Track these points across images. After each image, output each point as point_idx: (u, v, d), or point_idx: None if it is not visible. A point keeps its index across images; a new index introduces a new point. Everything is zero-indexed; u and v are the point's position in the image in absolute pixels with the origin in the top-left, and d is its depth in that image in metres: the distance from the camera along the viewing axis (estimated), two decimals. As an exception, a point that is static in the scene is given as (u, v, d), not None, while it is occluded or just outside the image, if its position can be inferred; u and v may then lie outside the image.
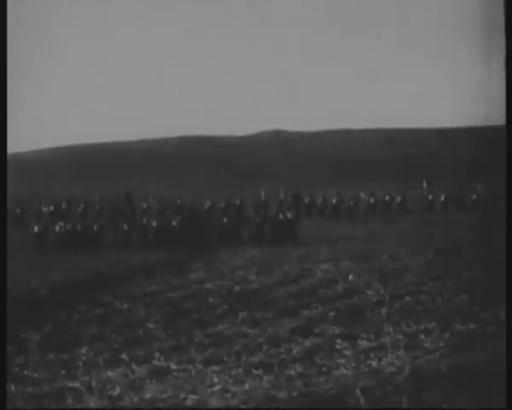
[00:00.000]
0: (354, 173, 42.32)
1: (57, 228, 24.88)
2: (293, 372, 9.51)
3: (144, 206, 28.30)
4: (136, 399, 9.02)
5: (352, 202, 31.29)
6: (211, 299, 14.87)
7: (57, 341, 12.11)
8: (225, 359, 10.45)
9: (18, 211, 28.86)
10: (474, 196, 30.85)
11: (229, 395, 8.87)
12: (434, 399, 8.10)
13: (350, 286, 15.29)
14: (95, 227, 25.21)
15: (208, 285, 16.34)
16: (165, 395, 9.02)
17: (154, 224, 25.13)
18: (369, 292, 14.53)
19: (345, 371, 9.41)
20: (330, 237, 24.27)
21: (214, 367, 10.06)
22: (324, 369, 9.61)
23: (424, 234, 23.78)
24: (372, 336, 11.05)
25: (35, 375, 10.35)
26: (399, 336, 10.85)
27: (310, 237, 24.40)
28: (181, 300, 14.97)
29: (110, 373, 10.13)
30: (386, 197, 31.26)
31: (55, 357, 11.18)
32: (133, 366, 10.41)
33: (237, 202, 28.54)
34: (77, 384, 9.68)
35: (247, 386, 9.08)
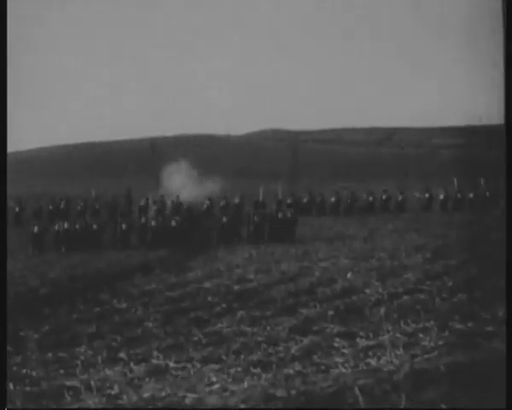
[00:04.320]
0: (353, 172, 42.34)
1: (56, 227, 24.87)
2: (291, 371, 9.51)
3: (143, 205, 28.28)
4: (134, 397, 9.01)
5: (350, 201, 31.30)
6: (209, 298, 14.87)
7: (56, 339, 12.11)
8: (224, 357, 10.45)
9: (17, 210, 28.86)
10: (472, 195, 30.86)
11: (227, 393, 8.87)
12: (433, 398, 8.10)
13: (348, 285, 15.30)
14: (94, 226, 25.21)
15: (207, 284, 16.35)
16: (163, 394, 9.02)
17: (153, 223, 25.15)
18: (368, 291, 14.54)
19: (343, 369, 9.41)
20: (329, 236, 24.28)
21: (213, 366, 10.06)
22: (323, 367, 9.61)
23: (423, 233, 23.79)
24: (371, 335, 11.06)
25: (33, 374, 10.35)
26: (398, 335, 10.85)
27: (308, 236, 24.42)
28: (179, 298, 14.97)
29: (108, 372, 10.12)
30: (384, 196, 31.27)
31: (54, 356, 11.17)
32: (131, 364, 10.41)
33: (236, 201, 28.53)
34: (75, 383, 9.68)
35: (245, 385, 9.07)
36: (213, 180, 29.44)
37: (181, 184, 29.58)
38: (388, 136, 54.50)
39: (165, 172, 30.54)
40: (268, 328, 12.04)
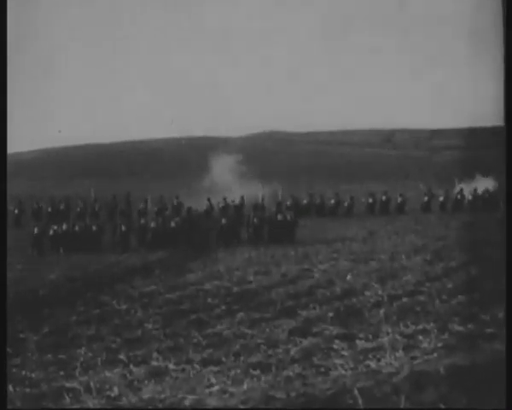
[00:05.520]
0: (352, 174, 42.31)
1: (55, 229, 24.84)
2: (291, 373, 9.51)
3: (142, 206, 28.26)
4: (134, 399, 9.01)
5: (349, 203, 31.22)
6: (209, 299, 14.86)
7: (55, 341, 12.10)
8: (223, 359, 10.45)
9: (16, 211, 28.81)
10: (471, 197, 30.82)
11: (227, 395, 8.87)
12: (433, 399, 8.10)
13: (348, 287, 15.29)
14: (93, 228, 25.18)
15: (206, 286, 16.34)
16: (163, 396, 9.02)
17: (153, 224, 25.12)
18: (367, 293, 14.54)
19: (343, 371, 9.41)
20: (328, 238, 24.26)
21: (212, 368, 10.06)
22: (322, 369, 9.61)
23: (422, 234, 23.78)
24: (370, 337, 11.06)
25: (33, 375, 10.34)
26: (397, 337, 10.85)
27: (308, 238, 24.39)
28: (179, 300, 14.96)
29: (108, 373, 10.12)
30: (383, 197, 31.21)
31: (53, 357, 11.17)
32: (131, 366, 10.40)
33: (236, 203, 28.51)
34: (75, 385, 9.68)
35: (245, 386, 9.07)
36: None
37: (231, 182, 29.94)
38: (388, 137, 54.49)
39: (216, 170, 30.96)
40: (267, 330, 12.03)
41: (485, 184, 30.56)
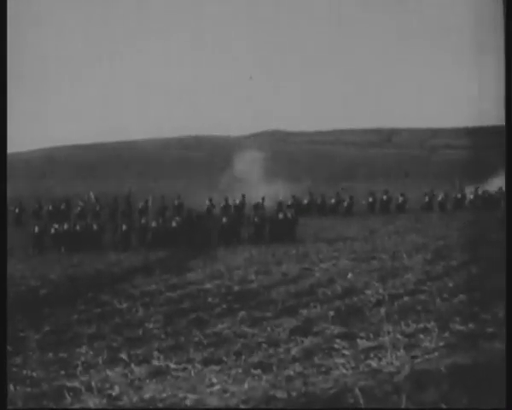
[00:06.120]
0: (353, 173, 42.33)
1: (57, 228, 24.86)
2: (292, 372, 9.50)
3: (143, 206, 28.27)
4: (135, 398, 9.01)
5: (349, 202, 31.22)
6: (210, 299, 14.86)
7: (56, 340, 12.10)
8: (224, 358, 10.44)
9: (16, 211, 28.83)
10: (472, 196, 30.85)
11: (228, 394, 8.86)
12: (434, 399, 8.09)
13: (349, 286, 15.29)
14: (94, 227, 25.20)
15: (207, 285, 16.34)
16: (164, 395, 9.01)
17: (154, 224, 25.15)
18: (368, 292, 14.53)
19: (344, 370, 9.40)
20: (329, 237, 24.26)
21: (213, 367, 10.05)
22: (323, 369, 9.60)
23: (423, 233, 23.78)
24: (371, 336, 11.05)
25: (34, 374, 10.34)
26: (398, 336, 10.84)
27: (309, 237, 24.40)
28: (180, 299, 14.96)
29: (109, 373, 10.12)
30: (384, 197, 31.21)
31: (54, 356, 11.17)
32: (132, 365, 10.40)
33: (236, 202, 28.55)
34: (76, 384, 9.67)
35: (246, 386, 9.06)
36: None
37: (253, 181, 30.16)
38: (388, 137, 54.53)
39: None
40: (268, 329, 12.03)
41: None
